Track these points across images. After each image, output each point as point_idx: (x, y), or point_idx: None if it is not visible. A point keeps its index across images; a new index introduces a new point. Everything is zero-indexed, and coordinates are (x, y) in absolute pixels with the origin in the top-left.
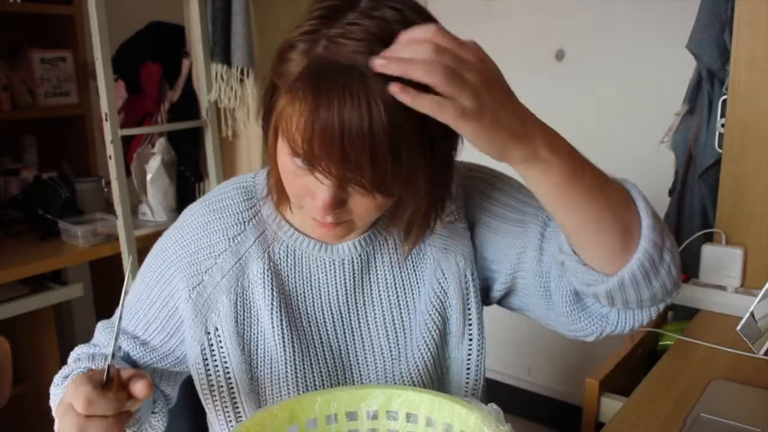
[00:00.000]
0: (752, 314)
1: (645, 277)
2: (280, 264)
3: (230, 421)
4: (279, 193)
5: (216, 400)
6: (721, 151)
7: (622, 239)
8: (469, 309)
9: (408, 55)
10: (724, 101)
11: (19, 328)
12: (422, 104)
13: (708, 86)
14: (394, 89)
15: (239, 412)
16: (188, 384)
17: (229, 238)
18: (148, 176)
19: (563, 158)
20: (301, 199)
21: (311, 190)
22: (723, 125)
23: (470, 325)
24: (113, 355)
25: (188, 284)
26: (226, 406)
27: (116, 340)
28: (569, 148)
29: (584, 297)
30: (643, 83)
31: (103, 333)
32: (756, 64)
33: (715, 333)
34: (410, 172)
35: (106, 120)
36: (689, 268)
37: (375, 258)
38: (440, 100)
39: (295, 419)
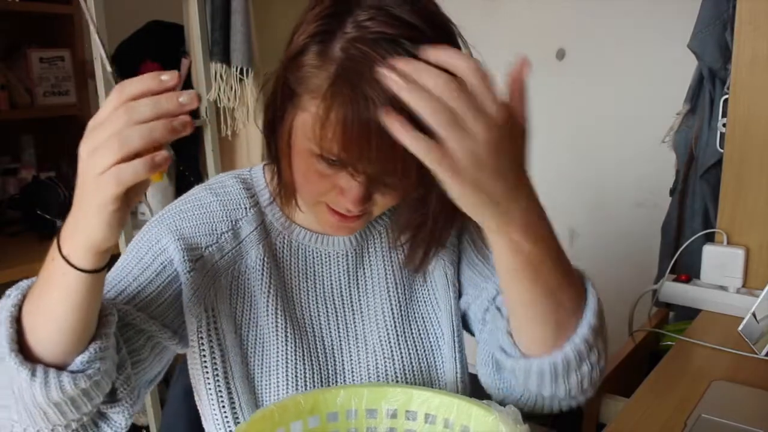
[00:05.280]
0: (754, 315)
1: (553, 378)
2: (278, 254)
3: (223, 408)
4: (288, 194)
5: (209, 384)
6: (722, 150)
7: (555, 334)
8: (457, 318)
9: (423, 79)
10: (726, 101)
11: None
12: (410, 144)
13: (709, 85)
14: (385, 116)
15: (232, 398)
16: (188, 392)
17: (232, 221)
18: None
19: (536, 246)
20: (324, 195)
21: (339, 185)
22: (724, 125)
23: (459, 335)
24: None
25: (186, 257)
26: (220, 390)
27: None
28: (545, 232)
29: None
30: (644, 82)
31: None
32: (758, 64)
33: (716, 334)
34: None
35: None
36: (691, 269)
37: (369, 252)
38: (430, 146)
39: (317, 410)
